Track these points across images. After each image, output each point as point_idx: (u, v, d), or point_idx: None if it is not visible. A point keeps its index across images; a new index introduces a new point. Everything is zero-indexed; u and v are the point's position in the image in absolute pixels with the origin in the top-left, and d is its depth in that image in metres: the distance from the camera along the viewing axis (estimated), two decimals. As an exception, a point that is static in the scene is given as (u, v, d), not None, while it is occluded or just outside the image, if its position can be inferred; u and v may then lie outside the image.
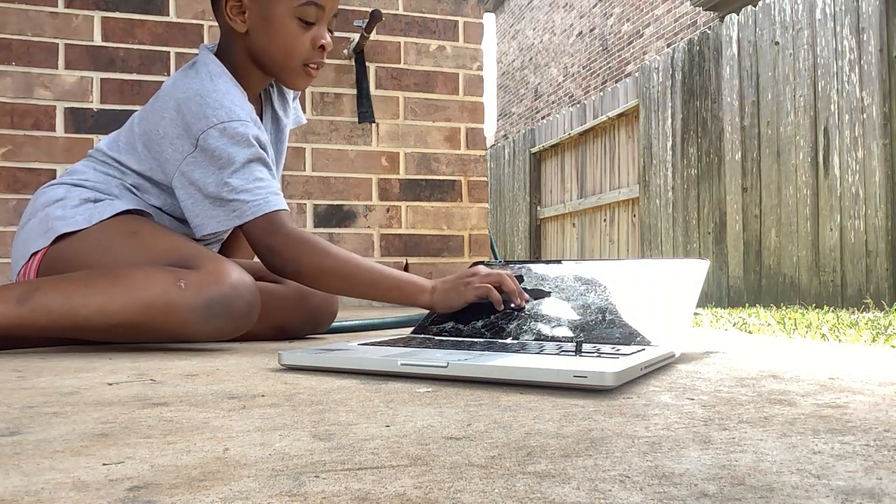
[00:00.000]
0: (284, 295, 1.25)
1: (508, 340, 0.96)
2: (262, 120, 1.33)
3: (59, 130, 2.27)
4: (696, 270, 1.01)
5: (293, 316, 1.26)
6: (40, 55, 2.28)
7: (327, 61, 2.60)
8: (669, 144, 4.87)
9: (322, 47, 1.21)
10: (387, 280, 1.13)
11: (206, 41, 2.42)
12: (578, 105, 6.35)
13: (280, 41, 1.19)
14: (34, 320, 1.02)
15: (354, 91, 2.64)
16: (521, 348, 0.86)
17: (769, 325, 2.39)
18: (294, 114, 1.45)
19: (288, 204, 2.56)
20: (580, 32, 9.48)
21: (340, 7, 2.60)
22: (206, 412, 0.60)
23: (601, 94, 5.94)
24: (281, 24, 1.18)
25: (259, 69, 1.24)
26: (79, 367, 0.90)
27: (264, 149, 1.19)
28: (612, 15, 8.67)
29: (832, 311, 3.15)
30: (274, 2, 1.17)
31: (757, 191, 4.10)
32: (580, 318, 0.98)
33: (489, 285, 1.07)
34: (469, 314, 1.07)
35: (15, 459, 0.46)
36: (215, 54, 1.24)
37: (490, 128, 13.82)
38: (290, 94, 1.40)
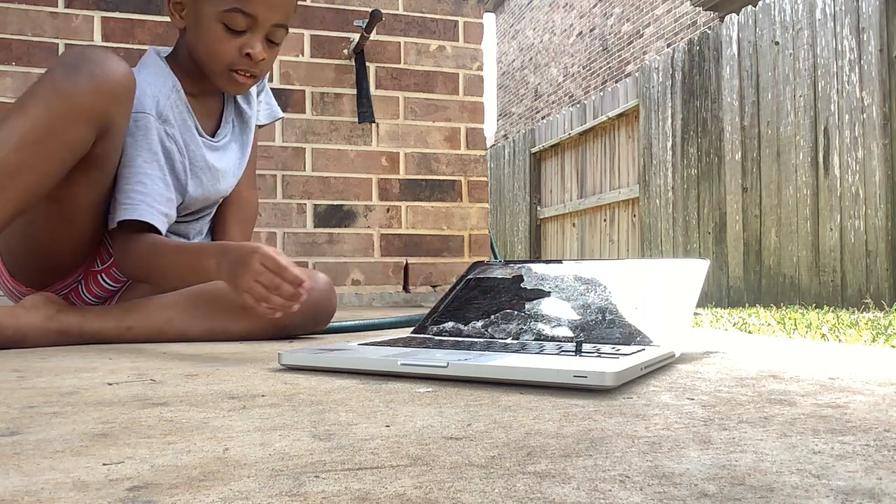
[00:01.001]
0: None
1: (508, 340, 0.96)
2: (224, 111, 1.36)
3: (59, 130, 2.27)
4: (696, 270, 1.01)
5: (293, 313, 1.26)
6: (40, 55, 2.28)
7: (327, 61, 2.60)
8: (669, 144, 4.87)
9: (249, 55, 1.21)
10: (180, 253, 1.17)
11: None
12: (578, 105, 6.35)
13: (205, 43, 1.21)
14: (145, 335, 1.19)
15: (354, 91, 2.64)
16: (521, 348, 0.86)
17: (769, 325, 2.39)
18: (267, 109, 1.48)
19: (287, 204, 2.56)
20: (580, 32, 9.48)
21: (341, 7, 2.60)
22: (206, 412, 0.60)
23: (601, 94, 5.94)
24: (207, 27, 1.20)
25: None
26: (79, 367, 0.90)
27: (172, 140, 1.23)
28: (612, 15, 8.67)
29: (832, 311, 3.16)
30: (202, 4, 1.19)
31: (757, 191, 4.10)
32: (580, 317, 0.98)
33: (255, 298, 1.03)
34: (469, 314, 1.07)
35: (15, 459, 0.46)
36: (174, 48, 1.30)
37: (490, 128, 13.82)
38: (253, 88, 1.42)
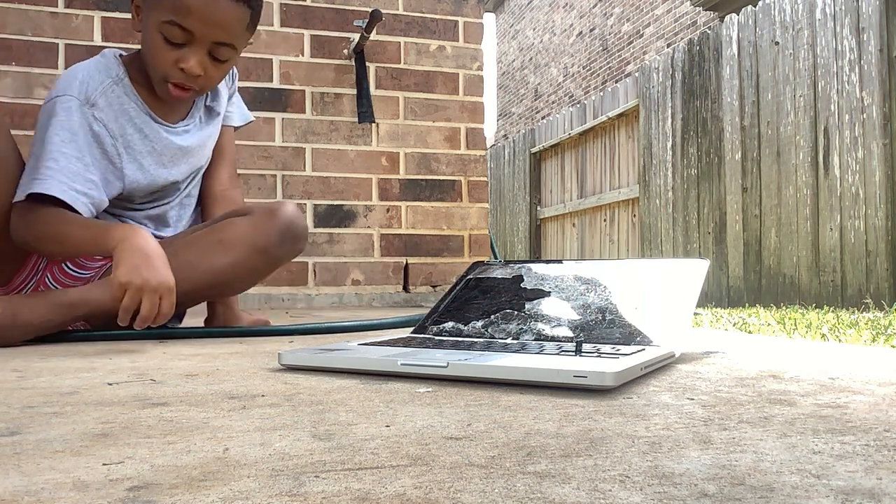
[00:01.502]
0: (256, 218, 1.27)
1: (508, 340, 0.96)
2: (190, 110, 1.39)
3: (59, 130, 2.27)
4: (696, 270, 1.01)
5: (269, 233, 1.28)
6: (40, 55, 2.28)
7: (327, 61, 2.60)
8: (669, 144, 4.87)
9: (183, 70, 1.23)
10: (81, 227, 1.19)
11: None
12: (578, 105, 6.35)
13: (147, 49, 1.25)
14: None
15: (354, 91, 2.64)
16: (521, 348, 0.86)
17: (769, 325, 2.39)
18: (239, 111, 1.53)
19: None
20: (580, 32, 9.48)
21: (341, 7, 2.60)
22: (206, 412, 0.60)
23: (601, 94, 5.94)
24: (150, 35, 1.23)
25: None
26: (79, 367, 0.90)
27: (101, 123, 1.26)
28: (612, 15, 8.67)
29: (832, 311, 3.15)
30: (149, 10, 1.22)
31: (757, 191, 4.10)
32: (580, 317, 0.98)
33: (125, 302, 1.11)
34: (469, 314, 1.07)
35: (15, 459, 0.46)
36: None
37: (490, 128, 13.82)
38: (222, 86, 1.45)
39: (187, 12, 1.18)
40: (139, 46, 1.30)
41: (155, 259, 1.13)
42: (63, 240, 1.19)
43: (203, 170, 1.47)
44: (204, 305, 1.50)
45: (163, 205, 1.40)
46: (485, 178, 2.80)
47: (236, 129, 1.55)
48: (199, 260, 1.24)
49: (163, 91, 1.28)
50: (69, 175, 1.20)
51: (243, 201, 1.53)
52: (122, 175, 1.30)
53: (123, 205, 1.35)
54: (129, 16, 2.35)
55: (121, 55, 1.34)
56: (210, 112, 1.43)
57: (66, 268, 1.31)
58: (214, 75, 1.26)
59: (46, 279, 1.31)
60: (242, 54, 2.52)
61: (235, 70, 1.50)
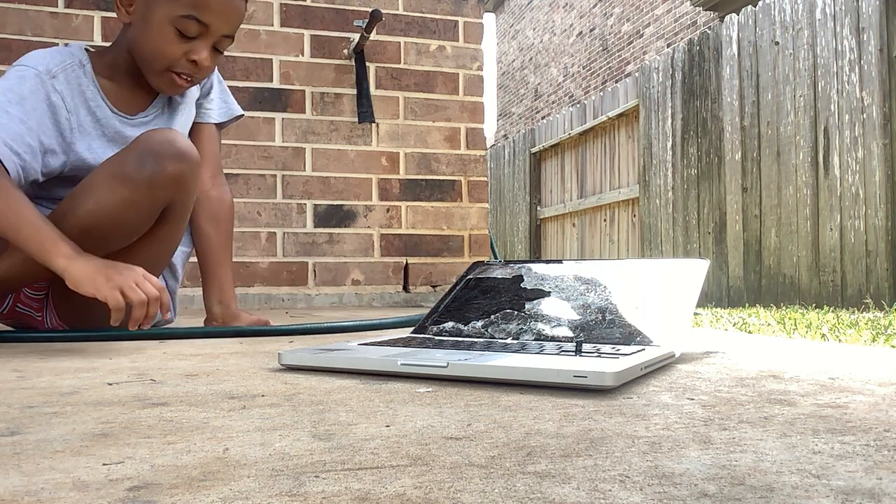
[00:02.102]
0: (119, 152, 1.23)
1: (508, 340, 0.96)
2: (151, 105, 1.37)
3: (59, 130, 2.27)
4: (696, 270, 1.01)
5: (125, 156, 1.21)
6: (40, 55, 2.27)
7: (327, 61, 2.60)
8: (669, 144, 4.87)
9: (195, 62, 1.25)
10: (31, 227, 1.10)
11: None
12: (578, 105, 6.35)
13: (152, 42, 1.24)
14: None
15: (354, 91, 2.64)
16: (521, 348, 0.86)
17: (769, 325, 2.39)
18: (223, 107, 1.51)
19: (287, 204, 2.56)
20: (580, 32, 9.49)
21: (341, 7, 2.60)
22: (206, 412, 0.60)
23: (601, 94, 5.94)
24: (158, 28, 1.22)
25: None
26: (79, 367, 0.90)
27: (59, 95, 1.25)
28: (612, 15, 8.67)
29: (832, 311, 3.15)
30: (158, 4, 1.22)
31: (757, 191, 4.10)
32: (580, 317, 0.98)
33: (121, 298, 1.06)
34: (469, 314, 1.07)
35: (15, 459, 0.46)
36: (114, 42, 1.34)
37: (490, 128, 13.82)
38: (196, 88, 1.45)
39: (206, 8, 1.21)
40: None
41: (108, 264, 1.10)
42: (8, 229, 1.11)
43: None
44: (202, 307, 1.49)
45: None
46: (485, 178, 2.80)
47: (221, 126, 1.53)
48: (72, 207, 1.18)
49: (162, 82, 1.28)
50: (8, 133, 1.17)
51: (229, 201, 1.50)
52: (69, 149, 1.27)
53: (69, 189, 1.29)
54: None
55: (87, 49, 1.34)
56: (171, 104, 1.41)
57: (27, 292, 1.30)
58: (212, 66, 1.30)
59: (17, 307, 1.31)
60: (242, 54, 2.52)
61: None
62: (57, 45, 2.28)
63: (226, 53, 2.38)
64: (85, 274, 1.07)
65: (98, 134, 1.31)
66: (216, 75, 1.51)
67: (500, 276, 1.12)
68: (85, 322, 1.30)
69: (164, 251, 1.32)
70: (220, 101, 1.51)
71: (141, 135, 1.21)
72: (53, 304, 1.31)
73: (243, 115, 1.58)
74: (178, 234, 1.32)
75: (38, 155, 1.22)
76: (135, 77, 1.33)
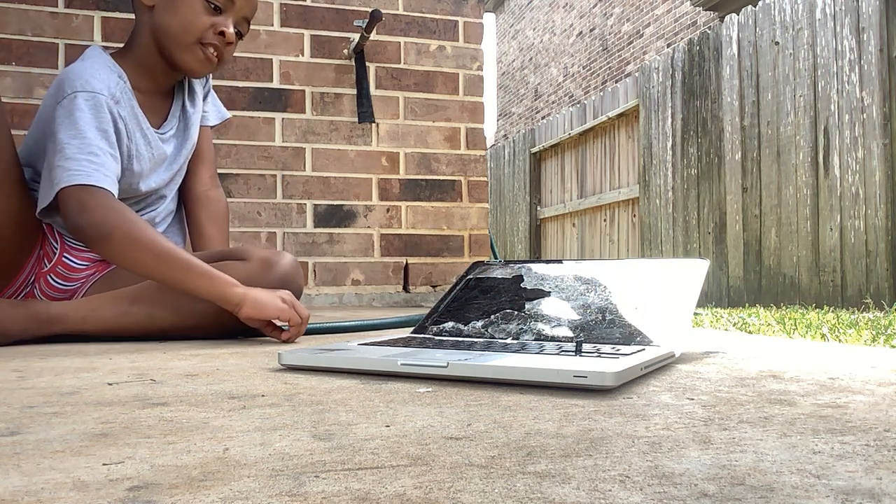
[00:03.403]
0: (250, 267, 1.26)
1: (508, 340, 0.96)
2: (171, 109, 1.42)
3: (59, 130, 2.27)
4: (696, 270, 1.01)
5: (262, 286, 1.26)
6: (40, 55, 2.28)
7: (327, 61, 2.60)
8: (669, 144, 4.87)
9: (222, 33, 1.29)
10: (199, 267, 1.16)
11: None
12: (578, 105, 6.35)
13: (180, 16, 1.27)
14: (130, 326, 1.22)
15: (354, 91, 2.64)
16: (521, 348, 0.86)
17: (769, 325, 2.39)
18: (215, 110, 1.55)
19: (287, 204, 2.56)
20: (580, 32, 9.48)
21: (341, 7, 2.60)
22: (206, 412, 0.60)
23: (601, 94, 5.94)
24: (187, 1, 1.27)
25: (161, 57, 1.32)
26: (79, 367, 0.90)
27: (123, 122, 1.28)
28: (612, 15, 8.66)
29: (832, 311, 3.15)
30: None
31: (757, 191, 4.10)
32: (580, 317, 0.98)
33: (288, 316, 1.16)
34: (469, 314, 1.07)
35: (15, 459, 0.46)
36: (126, 44, 1.36)
37: (490, 128, 13.82)
38: (198, 89, 1.48)
39: None
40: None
41: (270, 290, 1.19)
42: (169, 268, 1.16)
43: (180, 179, 1.48)
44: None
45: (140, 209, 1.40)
46: (485, 178, 2.80)
47: (212, 127, 1.58)
48: (191, 303, 1.21)
49: (191, 58, 1.29)
50: (110, 170, 1.22)
51: (225, 202, 1.54)
52: (125, 170, 1.32)
53: None
54: (130, 16, 2.35)
55: (111, 54, 1.35)
56: (185, 115, 1.44)
57: (51, 280, 1.31)
58: (233, 49, 1.33)
59: (35, 292, 1.31)
60: (242, 54, 2.52)
61: None
62: (57, 45, 2.29)
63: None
64: (267, 298, 1.15)
65: (149, 157, 1.35)
66: (209, 79, 1.54)
67: (500, 276, 1.12)
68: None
69: None
70: (213, 105, 1.55)
71: (277, 260, 1.27)
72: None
73: (230, 116, 1.63)
74: None
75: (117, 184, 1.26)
76: (153, 76, 1.35)
